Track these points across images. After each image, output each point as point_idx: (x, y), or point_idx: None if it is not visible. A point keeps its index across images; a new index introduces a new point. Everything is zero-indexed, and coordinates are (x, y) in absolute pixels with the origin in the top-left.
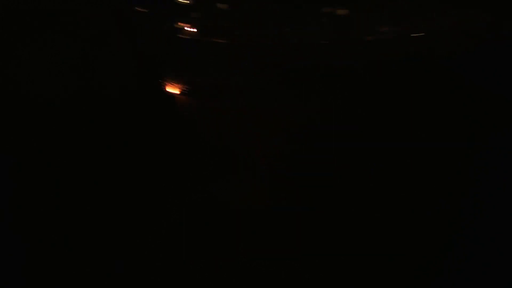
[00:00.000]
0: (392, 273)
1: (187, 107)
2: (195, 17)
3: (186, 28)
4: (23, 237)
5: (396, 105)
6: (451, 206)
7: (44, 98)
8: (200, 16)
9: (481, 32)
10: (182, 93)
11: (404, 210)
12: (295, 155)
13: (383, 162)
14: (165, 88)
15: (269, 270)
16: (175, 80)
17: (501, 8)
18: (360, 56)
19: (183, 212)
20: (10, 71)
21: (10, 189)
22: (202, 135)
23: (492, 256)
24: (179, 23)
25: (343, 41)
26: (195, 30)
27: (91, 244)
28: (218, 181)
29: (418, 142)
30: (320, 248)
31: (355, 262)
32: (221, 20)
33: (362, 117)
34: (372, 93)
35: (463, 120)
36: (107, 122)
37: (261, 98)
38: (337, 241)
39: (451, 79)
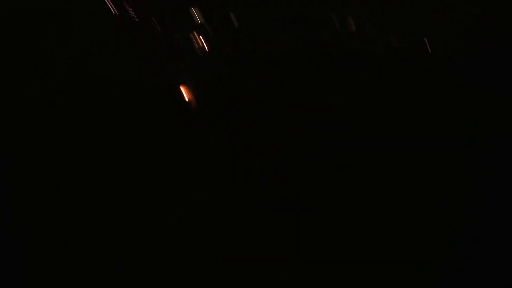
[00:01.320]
0: (392, 272)
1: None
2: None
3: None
4: (23, 237)
5: (396, 105)
6: (451, 206)
7: (44, 98)
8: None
9: (481, 32)
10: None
11: (404, 210)
12: (295, 155)
13: (383, 162)
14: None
15: (269, 270)
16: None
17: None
18: (363, 55)
19: (183, 212)
20: (10, 71)
21: (10, 189)
22: (201, 136)
23: (492, 256)
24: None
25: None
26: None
27: (91, 244)
28: (217, 181)
29: (418, 142)
30: (320, 248)
31: (355, 262)
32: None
33: (362, 117)
34: (372, 92)
35: (463, 120)
36: (107, 122)
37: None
38: (337, 241)
39: (451, 79)
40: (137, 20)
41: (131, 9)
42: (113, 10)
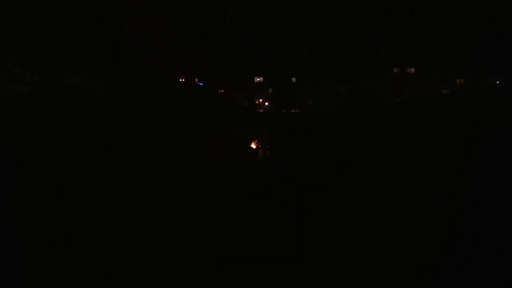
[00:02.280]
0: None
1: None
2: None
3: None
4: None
5: (396, 105)
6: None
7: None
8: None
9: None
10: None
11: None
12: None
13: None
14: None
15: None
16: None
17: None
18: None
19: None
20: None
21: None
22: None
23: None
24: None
25: None
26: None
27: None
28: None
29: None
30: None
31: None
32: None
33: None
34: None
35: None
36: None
37: None
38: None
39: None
40: (201, 84)
41: (196, 77)
42: (181, 78)
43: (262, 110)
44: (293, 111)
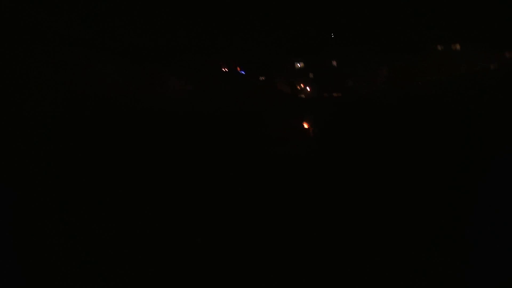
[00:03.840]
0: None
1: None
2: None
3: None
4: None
5: (396, 105)
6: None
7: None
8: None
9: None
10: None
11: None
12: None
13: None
14: None
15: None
16: None
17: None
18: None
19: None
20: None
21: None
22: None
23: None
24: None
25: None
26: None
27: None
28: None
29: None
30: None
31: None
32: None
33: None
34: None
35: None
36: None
37: None
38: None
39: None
40: (243, 73)
41: (240, 67)
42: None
43: (304, 96)
44: (335, 95)
